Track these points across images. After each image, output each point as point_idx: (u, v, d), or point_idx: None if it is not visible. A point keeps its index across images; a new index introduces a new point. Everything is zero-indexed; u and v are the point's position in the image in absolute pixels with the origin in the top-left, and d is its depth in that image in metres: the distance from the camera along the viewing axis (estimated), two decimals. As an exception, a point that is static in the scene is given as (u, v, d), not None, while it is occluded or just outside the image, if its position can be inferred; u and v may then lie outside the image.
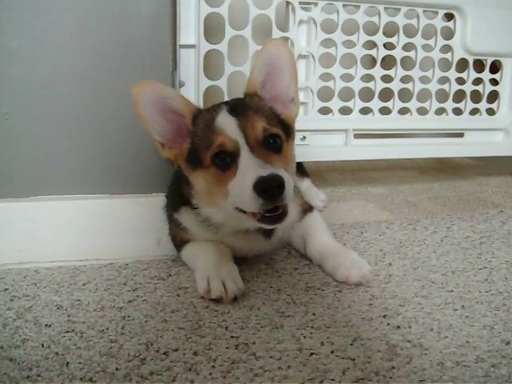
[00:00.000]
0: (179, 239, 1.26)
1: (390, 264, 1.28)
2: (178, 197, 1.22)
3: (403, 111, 2.02)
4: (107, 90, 1.26)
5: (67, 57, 1.22)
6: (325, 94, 1.90)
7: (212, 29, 1.69)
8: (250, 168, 1.00)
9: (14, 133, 1.23)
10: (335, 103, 1.91)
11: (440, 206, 1.88)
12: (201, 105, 1.67)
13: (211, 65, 1.71)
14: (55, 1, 1.19)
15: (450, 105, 2.08)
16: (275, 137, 1.09)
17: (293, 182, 1.02)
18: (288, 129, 1.15)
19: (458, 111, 2.11)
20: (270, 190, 0.96)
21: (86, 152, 1.28)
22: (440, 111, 2.08)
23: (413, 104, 2.02)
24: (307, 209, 1.34)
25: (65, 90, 1.23)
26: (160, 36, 1.27)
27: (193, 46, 1.62)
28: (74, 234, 1.27)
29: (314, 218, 1.34)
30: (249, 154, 1.02)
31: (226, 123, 1.06)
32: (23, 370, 0.81)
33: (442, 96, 2.08)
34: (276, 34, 1.73)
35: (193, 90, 1.64)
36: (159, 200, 1.30)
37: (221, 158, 1.05)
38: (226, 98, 1.71)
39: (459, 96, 2.10)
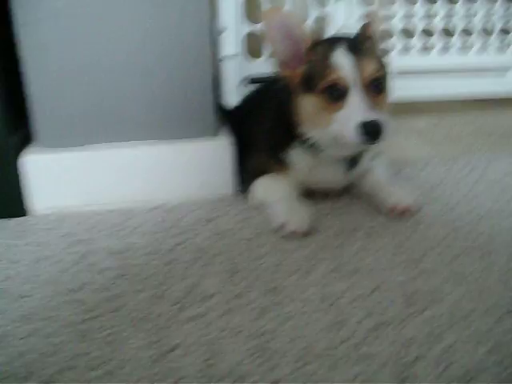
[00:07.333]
0: (259, 171, 1.40)
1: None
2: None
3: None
4: (150, 34, 1.30)
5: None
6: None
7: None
8: (357, 108, 1.16)
9: (69, 83, 1.31)
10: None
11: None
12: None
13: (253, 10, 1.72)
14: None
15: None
16: (382, 79, 1.23)
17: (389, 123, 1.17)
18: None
19: None
20: (370, 133, 1.13)
21: (138, 98, 1.35)
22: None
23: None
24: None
25: (112, 32, 1.29)
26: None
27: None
28: (126, 179, 1.38)
29: (380, 159, 1.48)
30: (359, 94, 1.17)
31: (343, 61, 1.19)
32: (89, 311, 0.94)
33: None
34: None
35: (234, 35, 1.68)
36: (204, 144, 1.40)
37: (333, 89, 1.19)
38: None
39: None
